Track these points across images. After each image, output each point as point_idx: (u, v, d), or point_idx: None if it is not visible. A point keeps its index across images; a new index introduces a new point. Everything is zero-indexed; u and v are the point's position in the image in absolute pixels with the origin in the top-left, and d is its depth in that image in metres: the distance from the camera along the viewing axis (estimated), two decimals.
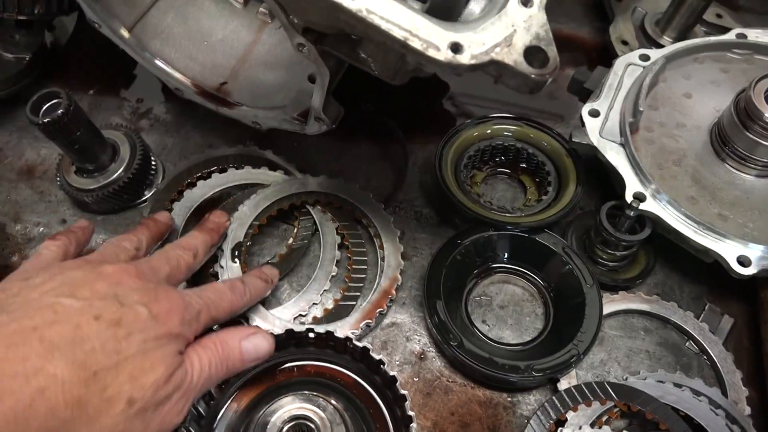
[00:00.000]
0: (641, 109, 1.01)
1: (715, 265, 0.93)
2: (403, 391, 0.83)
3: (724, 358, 0.94)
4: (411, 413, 0.81)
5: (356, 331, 0.94)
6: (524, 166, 1.14)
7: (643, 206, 0.94)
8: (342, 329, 0.93)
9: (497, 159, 1.15)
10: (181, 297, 0.76)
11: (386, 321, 0.99)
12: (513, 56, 0.65)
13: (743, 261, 0.89)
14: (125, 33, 1.07)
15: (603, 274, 1.00)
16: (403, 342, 0.97)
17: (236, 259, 0.97)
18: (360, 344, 0.86)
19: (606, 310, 0.96)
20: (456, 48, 0.64)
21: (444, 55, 0.64)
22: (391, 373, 0.84)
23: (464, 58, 0.64)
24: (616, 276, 1.01)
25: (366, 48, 0.80)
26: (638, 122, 1.03)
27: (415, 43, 0.64)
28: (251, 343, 0.80)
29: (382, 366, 0.85)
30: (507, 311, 1.00)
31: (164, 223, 0.95)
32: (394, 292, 0.97)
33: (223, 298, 0.82)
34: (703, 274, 1.03)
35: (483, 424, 0.90)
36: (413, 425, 0.81)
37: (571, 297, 0.95)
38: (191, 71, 1.11)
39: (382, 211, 1.04)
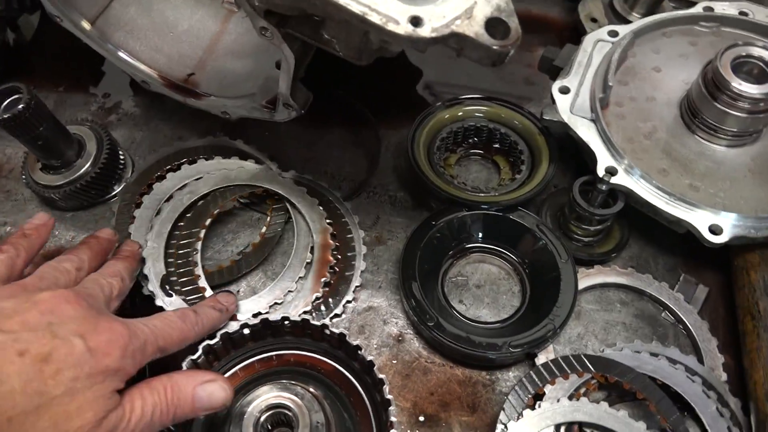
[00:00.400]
0: (611, 84, 1.01)
1: (688, 236, 0.93)
2: (380, 376, 0.82)
3: (700, 327, 0.95)
4: (389, 397, 0.81)
5: (318, 294, 0.96)
6: (497, 146, 1.14)
7: (615, 180, 0.94)
8: (304, 293, 0.96)
9: (470, 140, 1.14)
10: (125, 326, 0.70)
11: (363, 305, 0.99)
12: (474, 28, 0.64)
13: (715, 230, 0.90)
14: (87, 25, 1.05)
15: (578, 250, 1.01)
16: (381, 325, 0.97)
17: (171, 293, 0.93)
18: (337, 331, 0.85)
19: (582, 284, 0.97)
20: (416, 21, 0.63)
21: (404, 28, 0.63)
22: (369, 358, 0.83)
23: (425, 32, 0.64)
24: (592, 251, 1.01)
25: (329, 28, 0.79)
26: (608, 97, 1.03)
27: (374, 18, 0.63)
28: (206, 392, 0.73)
29: (359, 351, 0.84)
30: (484, 290, 1.00)
31: (107, 239, 0.88)
32: (330, 241, 0.99)
33: (172, 327, 0.77)
34: (677, 246, 1.04)
35: (462, 402, 0.90)
36: (391, 408, 0.80)
37: (546, 273, 0.95)
38: (157, 63, 1.10)
39: (278, 176, 1.05)
